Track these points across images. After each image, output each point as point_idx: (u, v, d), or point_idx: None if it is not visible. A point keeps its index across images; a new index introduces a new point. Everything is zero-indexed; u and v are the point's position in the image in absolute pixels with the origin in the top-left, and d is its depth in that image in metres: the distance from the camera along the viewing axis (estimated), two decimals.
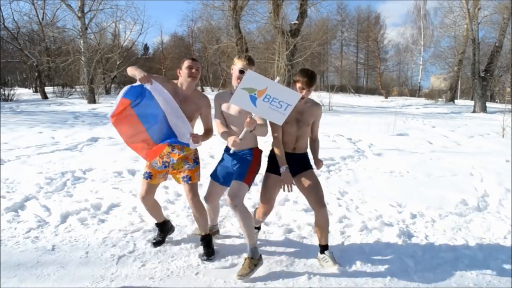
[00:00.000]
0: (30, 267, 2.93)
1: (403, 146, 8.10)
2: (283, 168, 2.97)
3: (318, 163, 3.27)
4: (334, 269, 2.96)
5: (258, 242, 3.38)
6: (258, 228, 3.45)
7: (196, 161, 3.21)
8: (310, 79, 2.97)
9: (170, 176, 3.28)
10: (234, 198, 2.81)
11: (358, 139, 8.75)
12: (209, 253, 3.15)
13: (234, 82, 3.00)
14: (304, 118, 3.09)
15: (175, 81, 3.13)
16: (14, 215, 3.89)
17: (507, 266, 3.15)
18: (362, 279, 2.91)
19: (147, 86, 2.87)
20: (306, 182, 3.09)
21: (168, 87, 2.98)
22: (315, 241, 3.53)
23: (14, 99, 18.19)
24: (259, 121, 2.92)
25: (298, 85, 2.99)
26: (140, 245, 3.34)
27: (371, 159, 6.81)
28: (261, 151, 3.16)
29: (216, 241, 3.47)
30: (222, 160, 3.24)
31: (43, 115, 12.25)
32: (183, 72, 3.04)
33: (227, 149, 3.15)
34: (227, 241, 3.50)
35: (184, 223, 3.85)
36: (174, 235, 3.57)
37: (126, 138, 2.96)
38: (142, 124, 2.93)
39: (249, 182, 2.98)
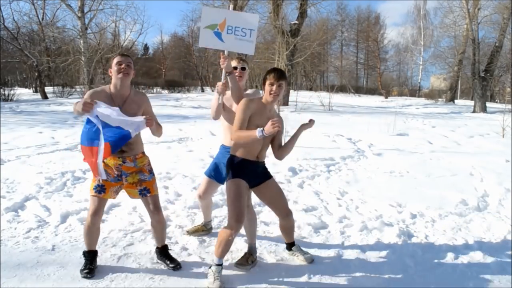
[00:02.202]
0: (30, 267, 2.93)
1: (403, 146, 8.10)
2: (260, 130, 2.58)
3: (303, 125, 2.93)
4: (308, 260, 3.08)
5: (258, 242, 3.39)
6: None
7: (152, 171, 2.97)
8: (277, 72, 2.76)
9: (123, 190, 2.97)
10: (248, 200, 2.99)
11: (358, 139, 8.75)
12: (176, 261, 2.98)
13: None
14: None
15: (105, 88, 2.85)
16: (14, 215, 3.89)
17: (507, 266, 3.15)
18: (362, 279, 2.91)
19: (89, 114, 2.57)
20: (269, 192, 2.99)
21: (102, 95, 2.74)
22: (315, 241, 3.54)
23: (14, 99, 18.18)
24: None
25: (267, 82, 2.77)
26: (140, 245, 3.34)
27: (371, 159, 6.81)
28: None
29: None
30: (218, 157, 3.33)
31: (43, 115, 12.24)
32: (113, 70, 2.79)
33: (223, 147, 3.27)
34: None
35: (184, 223, 3.85)
36: (174, 235, 3.57)
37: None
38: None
39: None
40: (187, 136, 8.65)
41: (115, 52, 21.68)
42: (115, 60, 2.81)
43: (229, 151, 3.03)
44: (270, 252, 3.31)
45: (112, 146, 2.63)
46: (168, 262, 3.00)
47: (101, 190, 2.85)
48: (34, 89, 25.57)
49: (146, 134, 2.98)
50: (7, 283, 2.69)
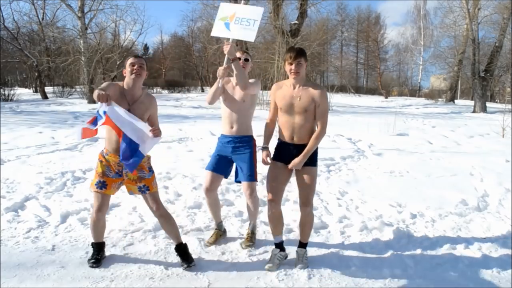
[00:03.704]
0: (30, 267, 2.93)
1: (403, 146, 8.09)
2: (260, 147, 3.12)
3: (295, 160, 2.95)
4: (296, 265, 3.04)
5: (258, 242, 3.39)
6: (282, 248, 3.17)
7: (151, 169, 3.04)
8: (294, 51, 2.90)
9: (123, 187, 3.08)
10: (252, 192, 3.25)
11: (358, 139, 8.74)
12: (190, 260, 3.01)
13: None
14: (299, 104, 2.92)
15: (120, 83, 2.98)
16: (14, 215, 3.89)
17: (507, 266, 3.15)
18: (362, 279, 2.91)
19: (104, 106, 2.76)
20: (300, 177, 3.04)
21: (116, 89, 2.90)
22: (315, 241, 3.54)
23: (14, 99, 18.17)
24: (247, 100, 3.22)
25: (286, 63, 2.93)
26: (140, 245, 3.34)
27: (371, 159, 6.81)
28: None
29: (216, 241, 3.48)
30: (218, 150, 3.35)
31: (43, 115, 12.24)
32: (127, 70, 2.94)
33: (222, 137, 3.33)
34: (227, 241, 3.50)
35: (184, 223, 3.85)
36: None
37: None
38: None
39: (256, 176, 3.32)
40: (187, 136, 8.65)
41: (115, 52, 21.69)
42: (129, 61, 2.96)
43: (229, 141, 3.24)
44: (270, 252, 3.30)
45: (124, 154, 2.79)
46: (181, 262, 3.03)
47: (102, 186, 2.94)
48: (34, 89, 25.56)
49: None
50: (7, 283, 2.70)
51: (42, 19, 23.09)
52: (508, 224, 4.00)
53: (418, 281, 2.91)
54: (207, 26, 25.57)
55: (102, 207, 2.97)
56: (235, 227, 3.79)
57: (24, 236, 3.45)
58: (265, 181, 3.26)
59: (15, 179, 5.06)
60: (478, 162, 6.54)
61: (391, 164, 6.44)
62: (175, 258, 3.13)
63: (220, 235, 3.53)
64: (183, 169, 5.70)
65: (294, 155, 2.99)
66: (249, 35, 3.10)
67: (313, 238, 3.61)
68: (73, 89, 22.06)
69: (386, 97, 29.95)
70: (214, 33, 3.21)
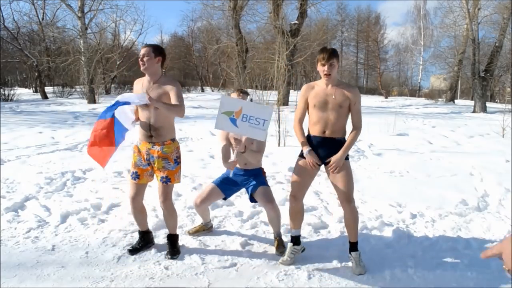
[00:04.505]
0: (30, 267, 2.93)
1: (403, 146, 8.10)
2: (306, 151, 2.97)
3: (331, 160, 2.94)
4: (356, 272, 2.94)
5: (258, 242, 3.38)
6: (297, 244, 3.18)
7: (177, 161, 3.13)
8: (327, 52, 2.90)
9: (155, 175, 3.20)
10: (270, 200, 3.27)
11: (358, 139, 8.74)
12: (174, 252, 3.16)
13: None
14: (334, 101, 2.92)
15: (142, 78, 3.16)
16: (14, 215, 3.89)
17: None
18: (362, 279, 2.91)
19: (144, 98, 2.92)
20: (338, 174, 2.94)
21: (142, 81, 3.11)
22: (315, 240, 3.54)
23: (14, 99, 18.18)
24: (253, 148, 3.27)
25: (319, 64, 2.93)
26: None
27: (371, 159, 6.81)
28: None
29: (216, 241, 3.48)
30: (229, 175, 3.37)
31: (43, 115, 12.25)
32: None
33: (236, 170, 3.39)
34: (227, 241, 3.50)
35: (184, 223, 3.85)
36: None
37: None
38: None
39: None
40: (187, 136, 8.65)
41: (115, 52, 21.71)
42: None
43: (240, 174, 3.38)
44: (271, 252, 3.30)
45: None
46: (167, 251, 3.16)
47: (136, 176, 3.12)
48: (34, 89, 25.56)
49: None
50: (7, 283, 2.70)
51: (42, 19, 23.11)
52: (508, 224, 4.00)
53: (418, 281, 2.91)
54: (207, 26, 25.58)
55: (137, 195, 3.14)
56: (235, 227, 3.79)
57: (24, 236, 3.45)
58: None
59: (15, 179, 5.06)
60: (478, 162, 6.54)
61: (391, 164, 6.44)
62: (175, 258, 3.13)
63: (203, 230, 3.64)
64: (183, 169, 5.65)
65: (324, 149, 2.98)
66: (259, 135, 2.97)
67: (313, 238, 3.62)
68: (73, 89, 22.07)
69: (386, 97, 29.94)
70: (218, 126, 3.02)
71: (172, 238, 3.22)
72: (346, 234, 3.69)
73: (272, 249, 3.35)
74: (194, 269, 2.98)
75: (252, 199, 3.39)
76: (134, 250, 3.19)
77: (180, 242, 3.42)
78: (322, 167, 3.08)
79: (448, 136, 9.89)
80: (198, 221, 3.85)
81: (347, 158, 3.01)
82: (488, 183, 5.43)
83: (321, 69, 2.92)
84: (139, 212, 3.21)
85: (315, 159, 2.96)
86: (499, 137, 9.61)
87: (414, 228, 3.89)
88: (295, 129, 3.12)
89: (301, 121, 3.11)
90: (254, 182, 3.34)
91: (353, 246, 3.05)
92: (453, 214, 4.28)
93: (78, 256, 3.11)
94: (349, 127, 3.03)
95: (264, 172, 3.50)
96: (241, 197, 4.57)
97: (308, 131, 3.09)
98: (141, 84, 3.09)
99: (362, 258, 3.04)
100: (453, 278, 2.96)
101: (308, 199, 4.61)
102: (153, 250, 3.25)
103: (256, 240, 3.53)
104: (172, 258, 3.11)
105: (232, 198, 4.54)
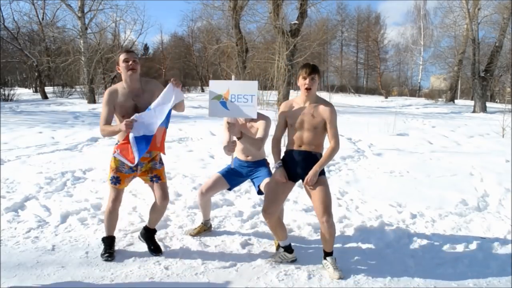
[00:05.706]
0: (30, 267, 2.93)
1: (403, 146, 8.09)
2: (276, 165, 3.06)
3: (309, 174, 2.94)
4: (335, 277, 2.88)
5: (258, 242, 3.38)
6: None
7: (162, 162, 3.24)
8: (309, 67, 2.97)
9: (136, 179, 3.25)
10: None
11: (358, 139, 8.75)
12: (159, 248, 3.19)
13: None
14: (310, 121, 2.97)
15: (116, 86, 3.04)
16: (14, 215, 3.89)
17: (507, 266, 3.14)
18: (362, 279, 2.91)
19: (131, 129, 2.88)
20: (316, 189, 2.97)
21: (119, 94, 2.98)
22: (315, 241, 3.54)
23: (14, 99, 18.18)
24: (258, 134, 3.25)
25: (300, 77, 2.98)
26: (140, 245, 3.34)
27: (371, 159, 6.80)
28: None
29: (216, 241, 3.48)
30: (234, 167, 3.42)
31: (43, 115, 12.25)
32: (121, 67, 2.96)
33: (237, 160, 3.44)
34: (227, 241, 3.50)
35: (184, 223, 3.85)
36: (175, 235, 3.57)
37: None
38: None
39: None
40: (187, 136, 8.65)
41: (115, 52, 21.67)
42: (122, 57, 2.95)
43: (245, 166, 3.42)
44: (270, 252, 3.30)
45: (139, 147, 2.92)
46: (151, 246, 3.19)
47: (116, 181, 3.07)
48: (34, 89, 25.56)
49: None
50: (7, 283, 2.70)
51: (42, 19, 23.08)
52: (508, 224, 4.00)
53: (418, 281, 2.91)
54: (207, 26, 25.58)
55: (117, 198, 3.11)
56: (235, 227, 3.79)
57: (24, 236, 3.45)
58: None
59: (15, 179, 5.06)
60: (478, 162, 6.54)
61: (391, 164, 6.44)
62: (175, 258, 3.14)
63: (204, 230, 3.63)
64: (183, 169, 5.70)
65: (299, 162, 3.02)
66: (250, 112, 3.04)
67: (313, 237, 3.62)
68: (73, 89, 22.06)
69: (386, 97, 29.95)
70: (211, 113, 3.08)
71: (150, 231, 3.26)
72: (346, 233, 3.71)
73: (272, 249, 3.35)
74: (194, 269, 2.98)
75: (260, 192, 3.41)
76: (110, 256, 3.07)
77: (180, 242, 3.43)
78: (299, 182, 3.14)
79: (448, 136, 9.89)
80: (198, 221, 3.85)
81: (323, 173, 3.04)
82: (488, 183, 5.43)
83: (302, 82, 2.97)
84: (116, 215, 3.16)
85: (281, 176, 3.01)
86: (499, 137, 9.61)
87: (414, 228, 3.88)
88: (272, 148, 3.14)
89: (279, 140, 3.15)
90: (259, 174, 3.39)
91: (328, 254, 3.02)
92: (453, 214, 4.28)
93: (78, 256, 3.11)
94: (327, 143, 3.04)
95: (268, 163, 3.51)
96: (241, 197, 4.57)
97: (286, 146, 3.14)
98: (121, 95, 2.98)
99: (361, 259, 3.03)
100: (453, 278, 2.96)
101: (308, 199, 4.61)
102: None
103: (256, 240, 3.53)
104: (157, 253, 3.14)
105: (232, 198, 4.55)
